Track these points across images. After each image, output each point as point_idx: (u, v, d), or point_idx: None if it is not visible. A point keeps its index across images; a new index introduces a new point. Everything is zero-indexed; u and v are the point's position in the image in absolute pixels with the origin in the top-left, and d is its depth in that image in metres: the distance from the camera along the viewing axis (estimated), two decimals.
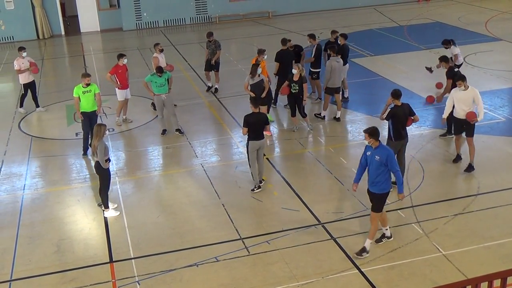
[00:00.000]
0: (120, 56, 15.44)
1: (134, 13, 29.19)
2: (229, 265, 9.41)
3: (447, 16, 28.22)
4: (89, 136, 13.27)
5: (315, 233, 10.20)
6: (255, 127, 11.41)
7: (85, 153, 13.80)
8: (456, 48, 16.01)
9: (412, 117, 11.20)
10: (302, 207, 11.11)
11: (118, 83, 15.31)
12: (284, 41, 15.93)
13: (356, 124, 15.20)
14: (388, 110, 11.12)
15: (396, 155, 11.16)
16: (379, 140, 9.33)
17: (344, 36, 16.22)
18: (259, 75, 14.17)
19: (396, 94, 11.05)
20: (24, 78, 16.64)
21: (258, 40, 24.18)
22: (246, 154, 11.85)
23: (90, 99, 13.46)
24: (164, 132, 14.86)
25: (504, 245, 9.60)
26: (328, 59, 15.06)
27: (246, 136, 11.61)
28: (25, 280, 9.36)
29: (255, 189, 11.69)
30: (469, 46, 21.72)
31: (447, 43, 16.11)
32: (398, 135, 11.14)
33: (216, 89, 17.85)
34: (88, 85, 13.48)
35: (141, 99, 17.82)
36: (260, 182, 11.80)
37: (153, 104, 16.39)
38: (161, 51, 16.43)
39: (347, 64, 16.32)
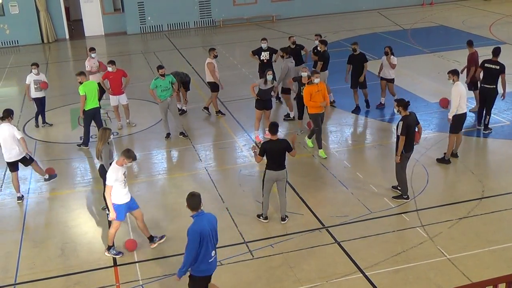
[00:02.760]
0: (108, 62, 15.46)
1: (138, 17, 29.29)
2: (233, 269, 9.41)
3: (451, 19, 28.21)
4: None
5: (319, 237, 10.19)
6: (273, 155, 10.21)
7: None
8: (395, 59, 15.85)
9: (417, 127, 11.01)
10: (306, 211, 11.09)
11: (110, 89, 15.37)
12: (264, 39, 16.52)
13: (360, 128, 15.20)
14: (401, 123, 10.75)
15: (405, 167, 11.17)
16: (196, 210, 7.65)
17: (324, 42, 16.28)
18: (272, 82, 14.05)
19: (406, 104, 10.84)
20: (95, 79, 16.65)
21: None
22: (262, 182, 10.65)
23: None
24: (168, 135, 14.86)
25: (509, 249, 9.56)
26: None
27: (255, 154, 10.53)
28: (29, 284, 9.36)
29: (261, 217, 10.80)
30: None
31: (389, 50, 15.74)
32: (410, 146, 10.97)
33: (184, 110, 16.87)
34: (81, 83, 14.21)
35: (145, 103, 17.85)
36: (283, 219, 10.68)
37: (206, 108, 16.49)
38: (215, 57, 15.91)
39: (327, 71, 16.32)
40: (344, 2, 31.50)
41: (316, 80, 13.00)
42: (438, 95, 16.50)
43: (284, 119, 15.74)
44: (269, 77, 13.80)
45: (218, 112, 16.42)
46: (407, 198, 11.15)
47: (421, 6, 32.24)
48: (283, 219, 10.72)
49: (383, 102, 16.34)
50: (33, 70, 15.66)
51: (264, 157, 10.35)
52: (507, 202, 11.03)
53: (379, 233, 10.17)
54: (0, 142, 11.66)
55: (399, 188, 11.33)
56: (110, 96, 15.55)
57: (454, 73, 12.51)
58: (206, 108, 16.56)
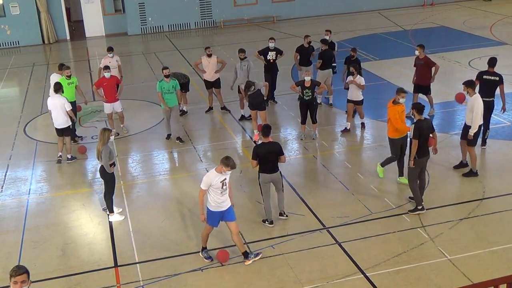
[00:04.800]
0: (104, 68, 15.08)
1: (139, 18, 29.29)
2: (234, 270, 9.40)
3: (452, 20, 28.20)
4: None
5: (320, 238, 10.18)
6: (266, 159, 10.24)
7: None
8: (363, 79, 14.51)
9: (432, 135, 10.69)
10: (307, 212, 11.09)
11: (104, 96, 14.93)
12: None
13: (361, 128, 15.17)
14: (412, 126, 10.54)
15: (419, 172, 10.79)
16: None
17: (324, 41, 16.39)
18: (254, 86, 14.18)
19: (421, 108, 10.57)
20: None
21: (262, 45, 24.21)
22: (259, 186, 10.69)
23: (71, 91, 14.64)
24: (168, 136, 14.85)
25: (510, 249, 9.55)
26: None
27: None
28: (30, 285, 9.35)
29: (266, 222, 10.68)
30: (473, 50, 21.71)
31: (355, 70, 14.37)
32: (424, 151, 10.61)
33: (184, 111, 16.70)
34: (69, 77, 14.70)
35: (146, 104, 17.85)
36: (281, 214, 10.76)
37: (224, 108, 16.61)
38: (209, 55, 16.14)
39: (328, 71, 16.38)
40: (345, 2, 31.51)
41: (402, 100, 11.66)
42: (439, 96, 16.54)
43: (239, 119, 15.97)
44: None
45: (210, 108, 16.76)
46: (422, 209, 10.72)
47: (422, 7, 32.23)
48: (281, 214, 10.73)
49: (348, 128, 14.73)
50: (57, 73, 15.43)
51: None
52: (508, 203, 11.02)
53: (379, 234, 10.17)
54: (52, 110, 13.52)
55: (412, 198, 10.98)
56: (104, 104, 15.08)
57: (469, 84, 11.94)
58: (224, 108, 16.76)
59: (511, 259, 9.29)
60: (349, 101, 14.60)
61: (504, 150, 13.39)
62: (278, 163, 10.45)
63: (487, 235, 9.98)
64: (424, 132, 10.54)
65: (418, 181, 10.84)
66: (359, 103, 14.59)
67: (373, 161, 13.31)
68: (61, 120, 13.50)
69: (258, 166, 10.45)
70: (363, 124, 14.99)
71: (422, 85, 15.17)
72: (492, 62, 13.32)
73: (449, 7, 31.73)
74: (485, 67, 13.53)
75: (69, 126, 13.69)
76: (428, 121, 10.79)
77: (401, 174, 12.01)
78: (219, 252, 9.63)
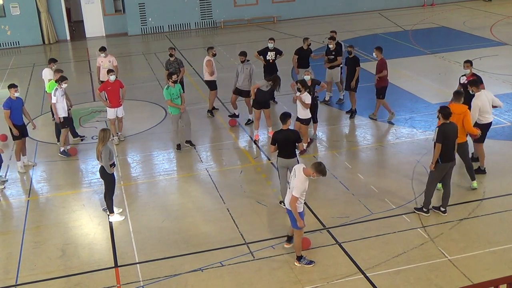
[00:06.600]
0: (108, 72, 14.70)
1: (139, 18, 29.29)
2: (234, 270, 9.41)
3: (452, 20, 28.21)
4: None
5: (320, 238, 10.19)
6: (283, 144, 10.62)
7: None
8: (309, 97, 13.23)
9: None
10: (307, 212, 11.06)
11: (107, 101, 14.62)
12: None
13: (361, 129, 15.18)
14: (437, 129, 10.31)
15: (442, 178, 10.60)
16: None
17: (334, 39, 16.65)
18: (269, 84, 14.22)
19: (447, 113, 10.16)
20: (102, 76, 16.42)
21: (262, 45, 24.22)
22: (277, 170, 11.17)
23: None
24: (179, 146, 14.25)
25: (510, 250, 9.55)
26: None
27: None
28: (30, 285, 9.36)
29: (282, 203, 10.90)
30: (474, 50, 21.70)
31: (301, 87, 13.14)
32: (448, 156, 10.27)
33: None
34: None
35: (146, 104, 17.86)
36: (282, 202, 11.00)
37: (209, 111, 16.47)
38: (214, 55, 16.10)
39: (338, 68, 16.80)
40: (345, 3, 31.53)
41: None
42: (439, 96, 16.56)
43: (245, 124, 15.73)
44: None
45: (210, 111, 16.51)
46: (427, 212, 10.67)
47: (422, 7, 32.24)
48: (281, 202, 10.98)
49: (305, 148, 13.55)
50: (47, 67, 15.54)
51: None
52: (508, 203, 11.02)
53: (380, 234, 10.17)
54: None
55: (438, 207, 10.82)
56: (108, 109, 14.71)
57: (472, 83, 11.96)
58: (210, 111, 16.59)
59: (511, 259, 9.30)
60: (297, 119, 13.40)
61: (504, 151, 13.39)
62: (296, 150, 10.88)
63: (487, 236, 9.99)
64: (449, 135, 10.23)
65: (444, 188, 10.77)
66: (304, 122, 13.28)
67: (373, 161, 13.33)
68: (61, 110, 13.95)
69: (277, 151, 10.83)
70: (311, 140, 14.03)
71: (383, 86, 15.16)
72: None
73: (449, 7, 31.74)
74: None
75: (66, 116, 14.05)
76: (454, 125, 10.43)
77: (473, 178, 11.59)
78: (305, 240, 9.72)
